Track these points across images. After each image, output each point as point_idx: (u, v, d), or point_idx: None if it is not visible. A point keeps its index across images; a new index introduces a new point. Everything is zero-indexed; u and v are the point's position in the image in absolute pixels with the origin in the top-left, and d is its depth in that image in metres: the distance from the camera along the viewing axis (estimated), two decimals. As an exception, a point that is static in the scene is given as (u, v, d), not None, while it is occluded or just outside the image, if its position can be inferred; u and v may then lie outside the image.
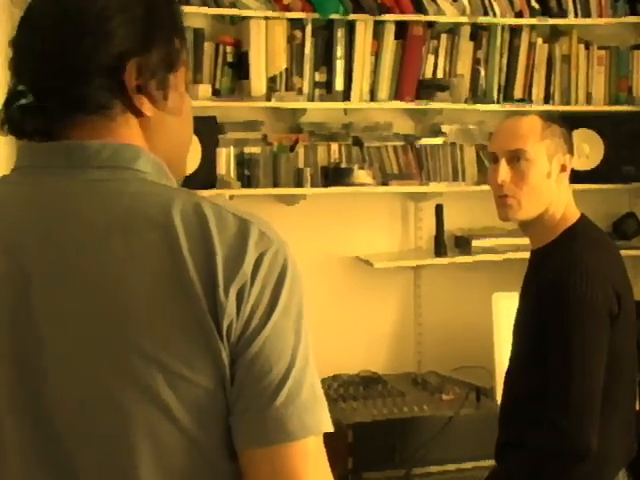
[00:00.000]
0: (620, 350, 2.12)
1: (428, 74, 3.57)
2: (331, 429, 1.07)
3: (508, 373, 2.27)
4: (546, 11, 3.65)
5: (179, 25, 1.15)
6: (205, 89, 3.30)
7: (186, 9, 3.19)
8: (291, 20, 3.39)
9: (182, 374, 1.02)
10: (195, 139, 3.23)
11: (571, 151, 2.24)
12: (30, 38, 1.08)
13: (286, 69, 3.39)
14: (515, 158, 2.18)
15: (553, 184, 2.19)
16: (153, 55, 1.09)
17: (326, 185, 3.45)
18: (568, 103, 3.71)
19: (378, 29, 3.48)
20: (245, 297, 1.03)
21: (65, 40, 1.06)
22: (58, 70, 1.06)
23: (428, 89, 3.53)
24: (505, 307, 3.25)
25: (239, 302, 1.02)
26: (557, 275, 2.09)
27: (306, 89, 3.42)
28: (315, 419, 1.05)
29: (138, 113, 1.10)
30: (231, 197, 3.33)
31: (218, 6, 3.31)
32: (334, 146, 3.51)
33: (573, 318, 2.04)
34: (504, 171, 2.19)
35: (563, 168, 2.20)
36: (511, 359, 2.25)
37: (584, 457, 2.01)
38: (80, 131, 1.08)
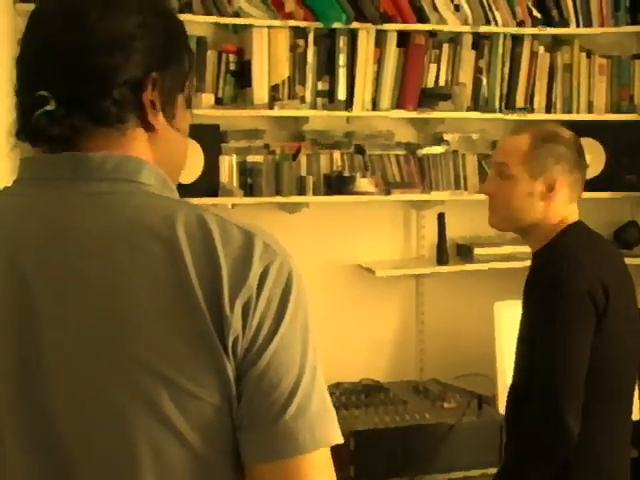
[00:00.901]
0: (615, 348, 2.15)
1: (430, 83, 3.58)
2: (341, 440, 1.07)
3: (513, 378, 2.29)
4: (548, 20, 3.66)
5: (189, 45, 1.19)
6: (208, 97, 3.31)
7: (189, 17, 3.21)
8: (294, 29, 3.40)
9: (186, 387, 1.01)
10: (198, 147, 3.24)
11: (574, 168, 2.27)
12: (51, 47, 1.08)
13: (289, 78, 3.40)
14: (500, 172, 2.29)
15: (538, 202, 2.24)
16: (169, 73, 1.12)
17: (328, 193, 3.45)
18: (570, 112, 3.72)
19: (380, 38, 3.49)
20: (251, 311, 1.02)
21: (92, 55, 1.07)
22: (83, 82, 1.07)
23: (430, 98, 3.54)
24: (507, 316, 3.25)
25: (245, 316, 1.02)
26: (548, 268, 2.17)
27: (308, 97, 3.43)
28: (325, 431, 1.05)
29: (149, 128, 1.12)
30: (233, 205, 3.34)
31: (221, 15, 3.32)
32: (336, 154, 3.51)
33: (554, 298, 2.10)
34: (488, 182, 2.37)
35: (550, 188, 2.24)
36: (514, 365, 2.27)
37: (565, 439, 2.04)
38: (95, 142, 1.09)
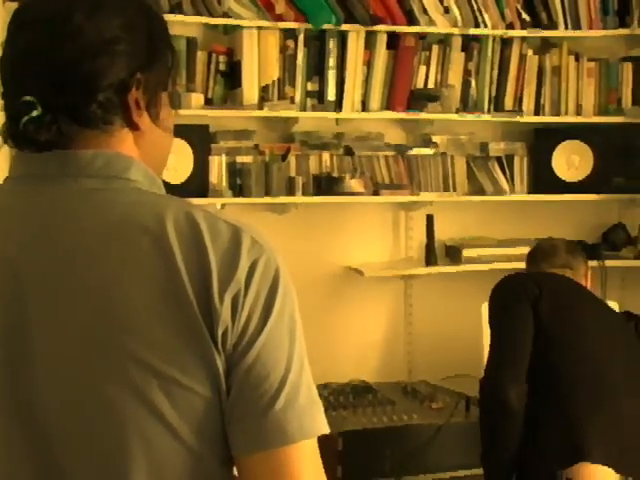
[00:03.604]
0: (566, 336, 2.54)
1: (419, 84, 3.59)
2: (327, 430, 1.08)
3: None
4: (537, 23, 3.67)
5: (171, 42, 1.19)
6: (197, 98, 3.31)
7: (179, 18, 3.21)
8: (284, 30, 3.40)
9: (176, 379, 1.03)
10: (187, 147, 3.24)
11: None
12: (35, 53, 1.08)
13: (278, 79, 3.41)
14: None
15: None
16: (153, 72, 1.13)
17: (317, 194, 3.46)
18: (558, 114, 3.74)
19: (370, 40, 3.50)
20: (240, 304, 1.04)
21: (77, 62, 1.07)
22: (69, 88, 1.07)
23: (419, 99, 3.55)
24: (495, 317, 3.27)
25: (234, 309, 1.03)
26: None
27: (298, 99, 3.44)
28: (313, 422, 1.06)
29: (135, 127, 1.12)
30: (223, 206, 3.34)
31: (211, 15, 3.32)
32: (326, 155, 3.52)
33: (493, 301, 2.69)
34: None
35: None
36: None
37: (502, 404, 2.33)
38: (82, 144, 1.09)
